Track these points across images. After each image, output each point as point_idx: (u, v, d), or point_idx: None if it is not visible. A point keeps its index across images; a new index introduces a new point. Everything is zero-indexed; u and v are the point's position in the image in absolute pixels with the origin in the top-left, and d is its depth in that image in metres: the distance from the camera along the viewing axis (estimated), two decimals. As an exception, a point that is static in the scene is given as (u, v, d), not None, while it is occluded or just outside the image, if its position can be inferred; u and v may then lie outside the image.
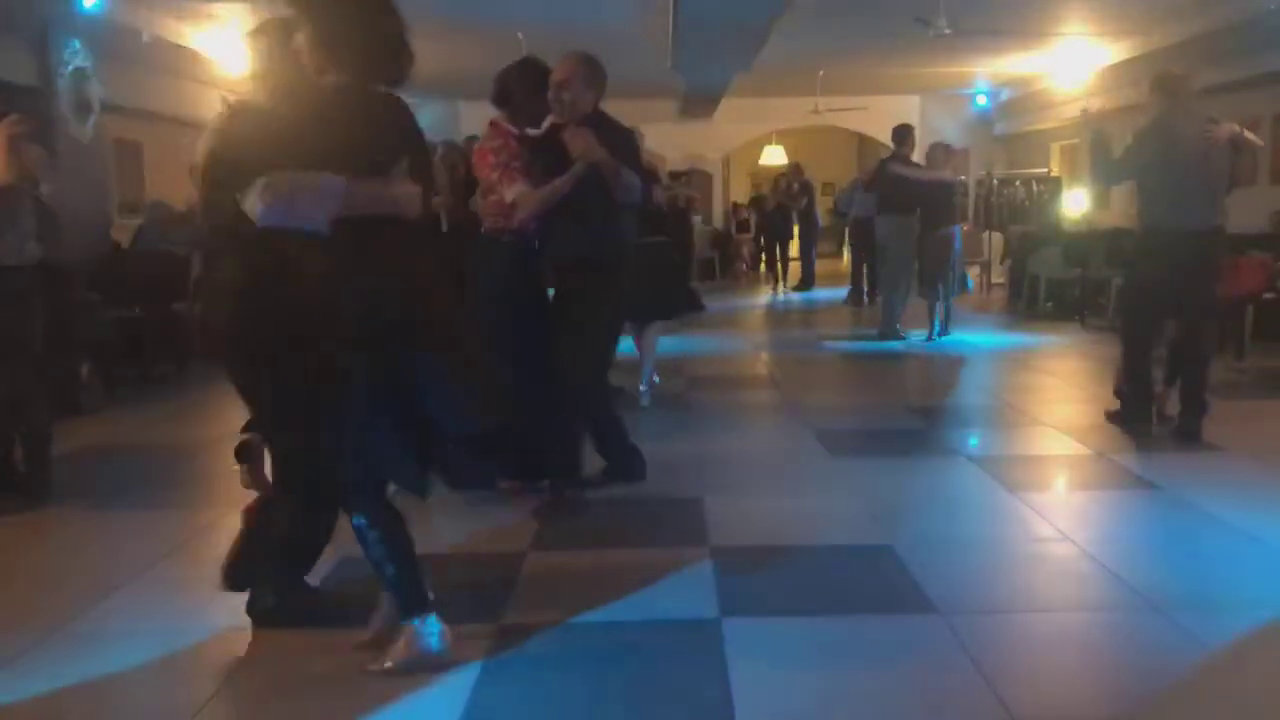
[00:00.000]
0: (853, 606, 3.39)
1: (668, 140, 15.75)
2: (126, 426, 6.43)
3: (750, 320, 12.45)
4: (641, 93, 13.39)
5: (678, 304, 6.85)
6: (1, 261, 4.42)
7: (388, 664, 2.89)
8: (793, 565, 3.79)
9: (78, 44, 8.41)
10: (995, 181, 14.95)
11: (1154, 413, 5.67)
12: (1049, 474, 5.12)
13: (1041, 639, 3.17)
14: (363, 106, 2.72)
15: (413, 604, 2.90)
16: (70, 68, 8.32)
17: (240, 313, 2.96)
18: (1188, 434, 5.47)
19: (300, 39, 2.74)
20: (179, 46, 10.01)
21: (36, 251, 4.59)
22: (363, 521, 2.86)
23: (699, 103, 15.80)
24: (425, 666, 2.88)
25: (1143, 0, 10.16)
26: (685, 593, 3.48)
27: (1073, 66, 13.24)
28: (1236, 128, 5.50)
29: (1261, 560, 3.76)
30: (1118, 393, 5.85)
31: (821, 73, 14.34)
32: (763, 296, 14.99)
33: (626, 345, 6.45)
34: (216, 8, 9.69)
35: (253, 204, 2.69)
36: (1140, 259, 5.83)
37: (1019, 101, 16.17)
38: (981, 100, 16.97)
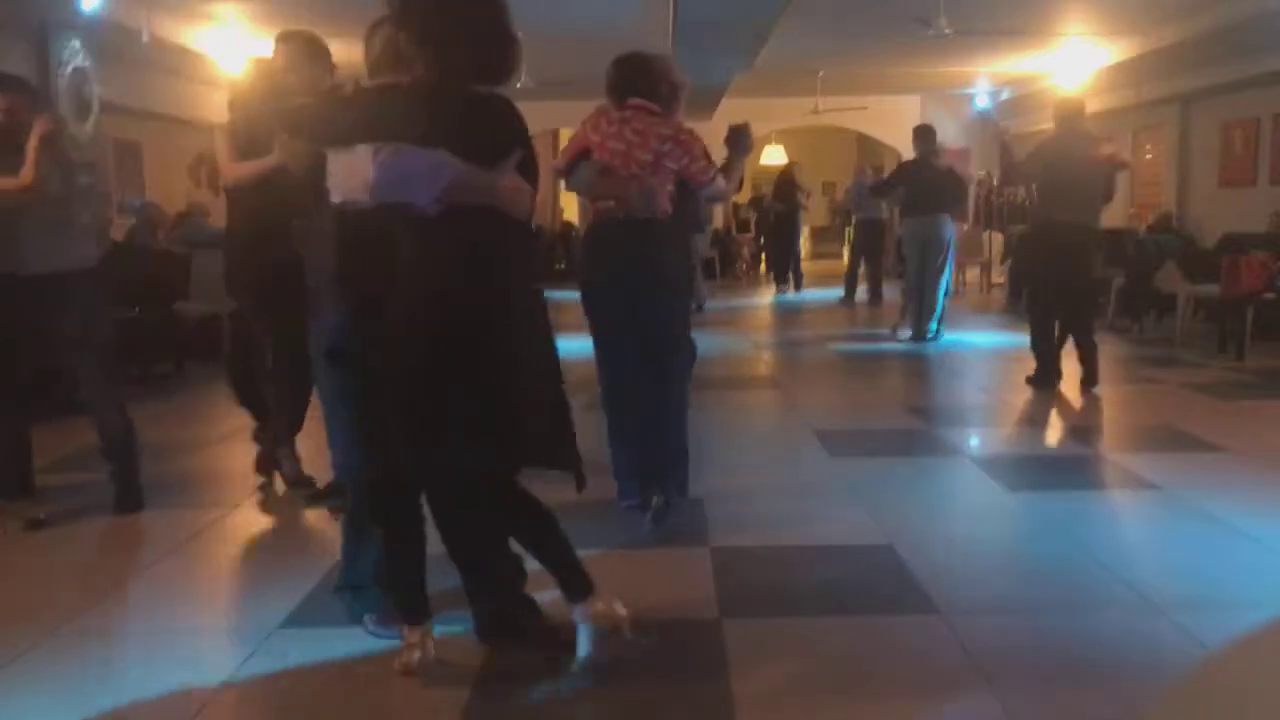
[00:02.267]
0: (853, 606, 3.39)
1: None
2: (126, 426, 6.42)
3: (750, 320, 12.45)
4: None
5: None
6: (50, 267, 4.23)
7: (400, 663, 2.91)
8: (793, 565, 3.79)
9: (78, 44, 8.41)
10: (995, 181, 14.94)
11: (1055, 371, 7.04)
12: (1049, 474, 5.12)
13: (1041, 639, 3.17)
14: (467, 103, 2.68)
15: (410, 613, 2.93)
16: (70, 68, 8.32)
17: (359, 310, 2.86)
18: (1086, 384, 6.90)
19: (404, 38, 2.69)
20: (179, 46, 10.01)
21: (93, 253, 4.47)
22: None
23: (699, 103, 15.79)
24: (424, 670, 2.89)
25: (1143, 0, 10.16)
26: (685, 593, 3.48)
27: (1073, 66, 13.24)
28: (1116, 151, 7.23)
29: (1261, 560, 3.76)
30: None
31: (821, 73, 14.34)
32: (763, 296, 15.00)
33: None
34: (216, 8, 9.68)
35: (360, 172, 2.59)
36: (1031, 245, 7.48)
37: (1019, 101, 16.16)
38: (982, 101, 16.97)
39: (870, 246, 13.18)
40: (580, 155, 4.18)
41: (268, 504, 4.66)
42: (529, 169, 2.72)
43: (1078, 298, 7.06)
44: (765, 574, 3.70)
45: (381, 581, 3.10)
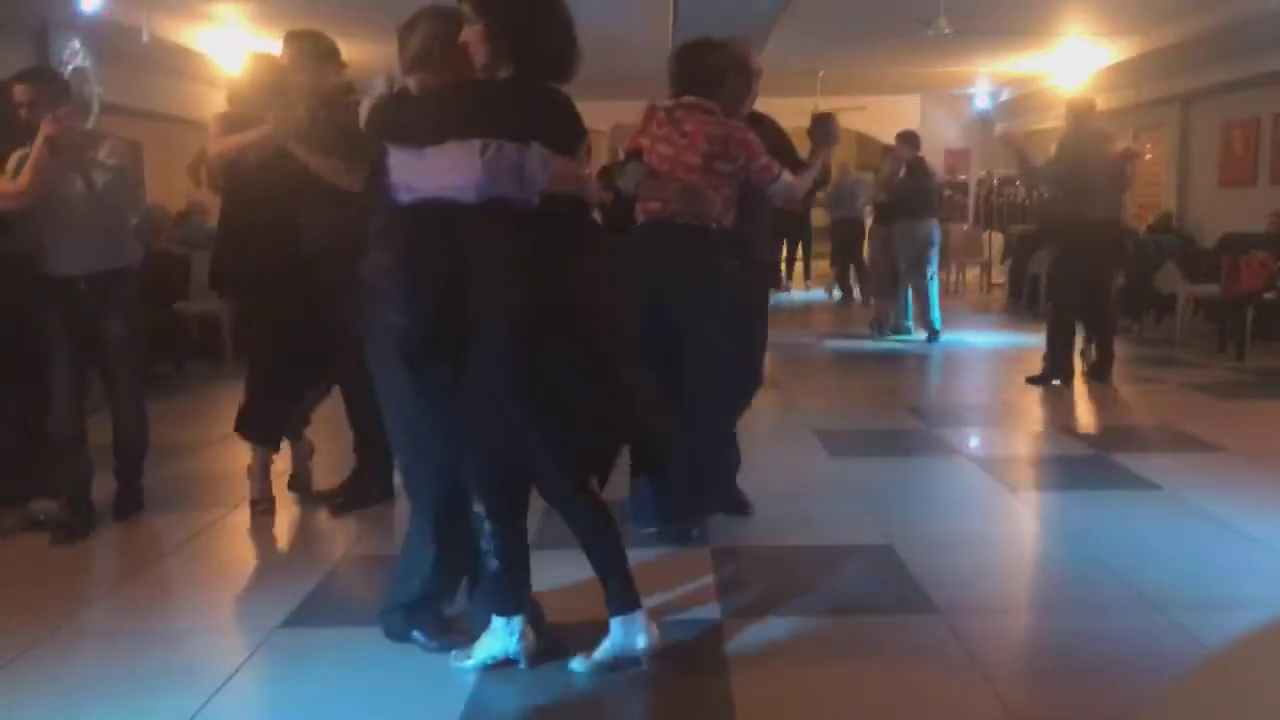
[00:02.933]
0: (853, 606, 3.39)
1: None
2: (126, 426, 6.42)
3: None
4: (642, 93, 13.35)
5: None
6: (87, 268, 4.17)
7: (470, 662, 2.91)
8: (793, 565, 3.79)
9: (78, 44, 8.41)
10: (995, 181, 14.93)
11: (1069, 369, 7.19)
12: (1049, 474, 5.12)
13: (1041, 639, 3.17)
14: (549, 99, 2.77)
15: (505, 605, 2.90)
16: (70, 68, 8.32)
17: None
18: (1096, 376, 7.17)
19: (470, 32, 2.73)
20: (179, 46, 10.00)
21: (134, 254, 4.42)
22: (481, 512, 2.93)
23: (699, 103, 15.77)
24: (503, 664, 2.90)
25: (1142, 0, 10.15)
26: (685, 593, 3.48)
27: (1073, 66, 13.24)
28: (1129, 145, 7.54)
29: (1261, 560, 3.76)
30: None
31: (821, 73, 14.33)
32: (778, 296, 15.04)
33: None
34: (216, 8, 9.68)
35: (463, 169, 2.62)
36: (1057, 244, 7.64)
37: (1019, 101, 16.16)
38: (981, 101, 16.97)
39: (849, 245, 13.14)
40: (632, 154, 3.94)
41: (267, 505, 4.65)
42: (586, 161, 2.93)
43: (1105, 295, 7.29)
44: (765, 574, 3.69)
45: (434, 595, 3.07)
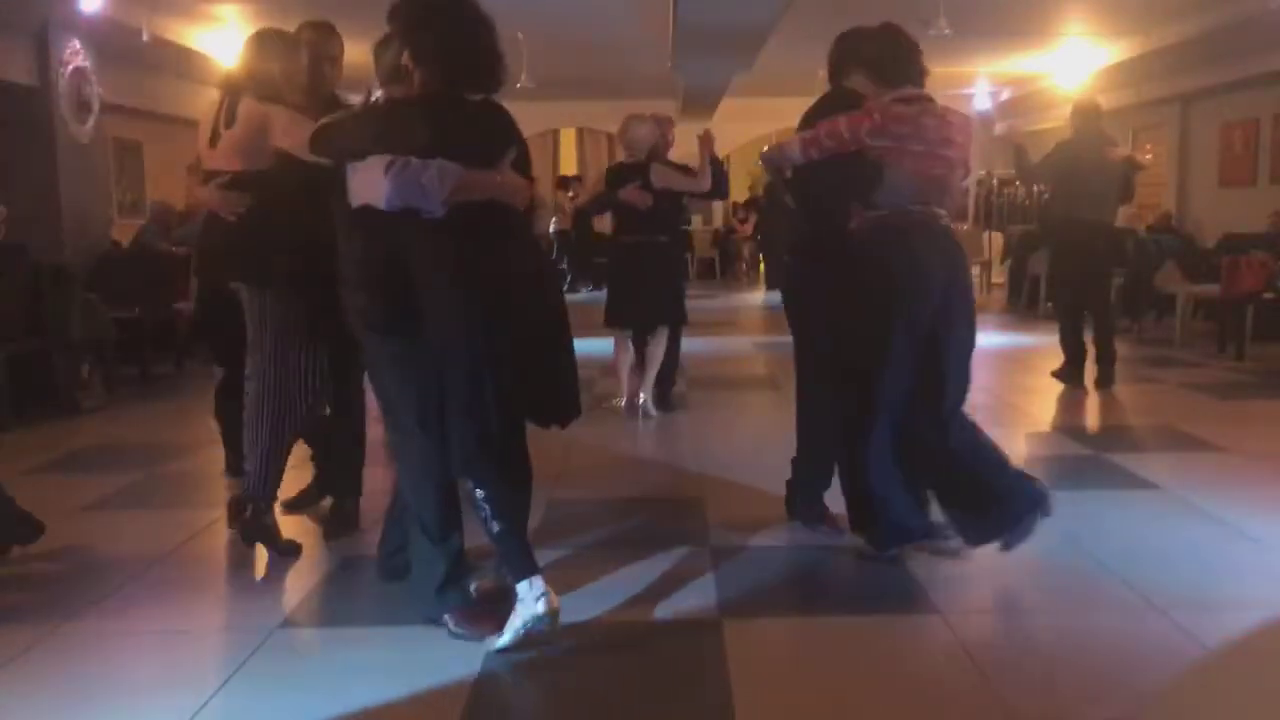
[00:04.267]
0: (853, 606, 3.39)
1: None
2: (126, 426, 6.42)
3: (750, 320, 12.44)
4: (641, 93, 13.38)
5: (678, 309, 6.44)
6: None
7: (505, 638, 2.98)
8: (793, 565, 3.79)
9: (78, 44, 8.41)
10: (995, 181, 14.93)
11: (1083, 370, 7.15)
12: (1049, 474, 5.10)
13: (1041, 639, 3.17)
14: (460, 109, 2.99)
15: (521, 567, 3.00)
16: (70, 68, 8.32)
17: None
18: (1101, 383, 7.04)
19: (404, 55, 2.99)
20: (179, 46, 10.00)
21: None
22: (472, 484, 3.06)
23: (699, 103, 15.80)
24: (539, 640, 2.97)
25: (1142, 0, 10.16)
26: (685, 593, 3.48)
27: (1073, 66, 13.24)
28: (1131, 153, 7.70)
29: (1261, 560, 3.76)
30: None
31: (821, 73, 14.28)
32: (761, 296, 15.01)
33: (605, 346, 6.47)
34: (216, 8, 9.69)
35: (373, 183, 2.90)
36: (1052, 245, 7.79)
37: (1019, 101, 16.16)
38: (982, 101, 16.96)
39: None
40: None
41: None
42: (523, 164, 3.09)
43: (1102, 296, 7.30)
44: (765, 574, 3.69)
45: (453, 574, 3.14)
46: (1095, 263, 7.15)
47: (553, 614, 2.97)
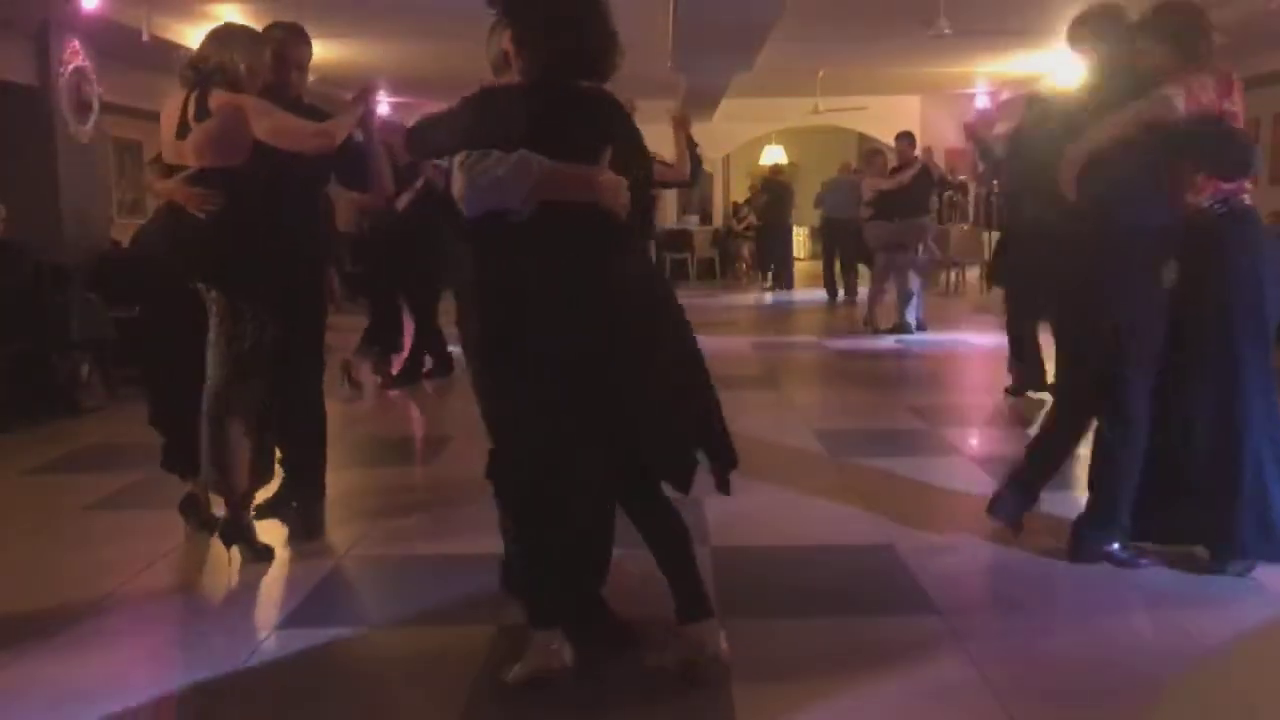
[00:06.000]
0: (853, 606, 3.39)
1: (667, 139, 15.72)
2: (126, 426, 6.41)
3: (750, 320, 12.44)
4: (641, 92, 13.36)
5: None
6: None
7: (514, 673, 2.79)
8: (793, 565, 3.79)
9: (78, 44, 8.41)
10: (995, 182, 14.90)
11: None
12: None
13: (1042, 639, 3.17)
14: (566, 101, 2.67)
15: (535, 616, 2.83)
16: (70, 68, 8.32)
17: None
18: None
19: (506, 37, 2.71)
20: (179, 46, 9.99)
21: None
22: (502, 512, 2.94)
23: (699, 103, 15.80)
24: (548, 681, 2.79)
25: (1143, 1, 10.15)
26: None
27: (1073, 66, 13.23)
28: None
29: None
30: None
31: (821, 73, 14.33)
32: (765, 296, 15.01)
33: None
34: (216, 8, 9.67)
35: (456, 184, 2.59)
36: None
37: (1019, 101, 16.15)
38: (982, 102, 16.96)
39: (844, 246, 13.10)
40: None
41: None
42: (632, 164, 2.70)
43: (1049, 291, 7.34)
44: (765, 574, 3.70)
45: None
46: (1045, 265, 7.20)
47: (558, 677, 2.79)
